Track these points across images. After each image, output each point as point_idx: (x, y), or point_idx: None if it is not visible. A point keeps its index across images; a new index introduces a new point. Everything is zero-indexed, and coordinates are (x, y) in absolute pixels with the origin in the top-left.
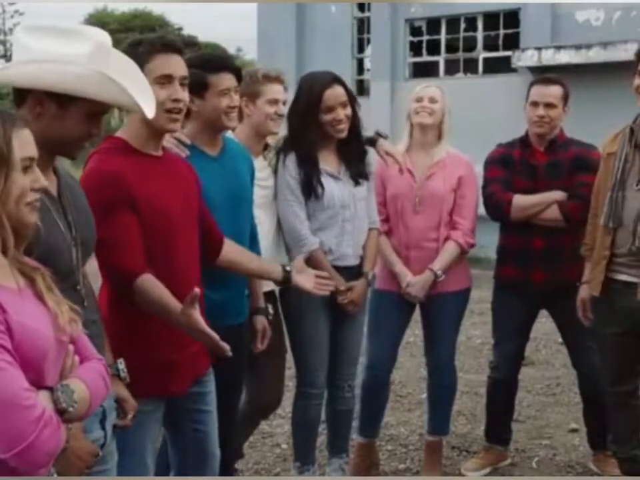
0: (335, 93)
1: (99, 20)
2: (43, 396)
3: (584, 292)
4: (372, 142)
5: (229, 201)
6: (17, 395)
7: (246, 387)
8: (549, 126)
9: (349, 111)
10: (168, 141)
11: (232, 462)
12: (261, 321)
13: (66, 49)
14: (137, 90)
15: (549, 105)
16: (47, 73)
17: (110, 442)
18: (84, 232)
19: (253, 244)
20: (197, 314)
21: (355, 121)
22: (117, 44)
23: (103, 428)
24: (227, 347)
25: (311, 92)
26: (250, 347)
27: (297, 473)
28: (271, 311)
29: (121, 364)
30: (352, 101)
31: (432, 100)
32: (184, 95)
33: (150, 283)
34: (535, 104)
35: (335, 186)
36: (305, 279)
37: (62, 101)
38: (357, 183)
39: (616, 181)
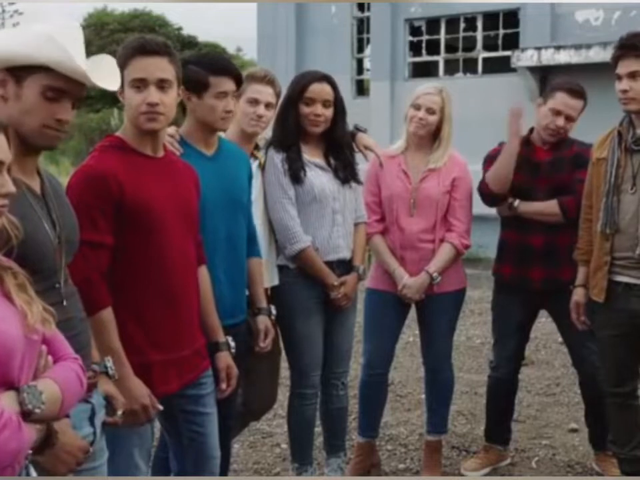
0: (320, 89)
1: (98, 20)
2: (7, 397)
3: (577, 295)
4: (351, 136)
5: (224, 201)
6: None
7: (240, 389)
8: (562, 136)
9: (329, 112)
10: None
11: (227, 462)
12: (262, 321)
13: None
14: (95, 65)
15: (569, 118)
16: (4, 45)
17: (99, 439)
18: (68, 231)
19: (252, 245)
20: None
21: (337, 124)
22: (116, 44)
23: (92, 425)
24: None
25: (297, 83)
26: (248, 348)
27: (295, 474)
28: (273, 310)
29: (109, 361)
30: (338, 104)
31: (430, 111)
32: (161, 97)
33: (108, 318)
34: (558, 113)
35: (324, 177)
36: None
37: (19, 75)
38: (345, 181)
39: (610, 187)
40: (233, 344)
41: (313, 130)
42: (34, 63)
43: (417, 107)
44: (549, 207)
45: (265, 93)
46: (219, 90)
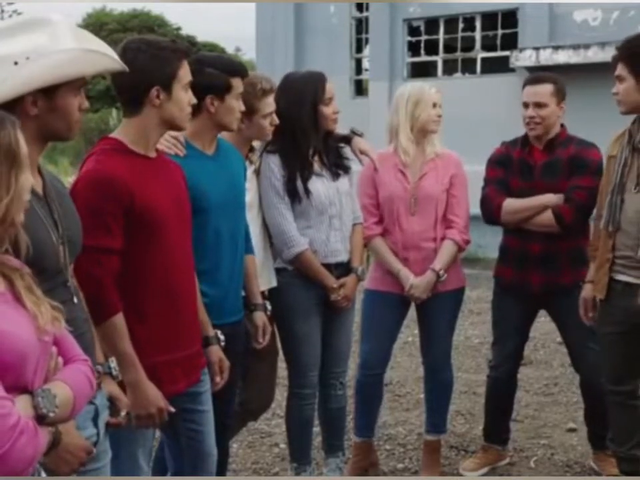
0: (331, 86)
1: (97, 20)
2: (22, 401)
3: (586, 291)
4: (347, 140)
5: (227, 199)
6: None
7: (239, 389)
8: (541, 126)
9: None
10: (167, 140)
11: (225, 461)
12: (260, 317)
13: (38, 39)
14: (109, 51)
15: (538, 105)
16: (45, 68)
17: (103, 440)
18: (70, 230)
19: (246, 242)
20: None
21: None
22: (115, 44)
23: (96, 425)
24: None
25: (314, 85)
26: (246, 346)
27: (294, 474)
28: (268, 306)
29: (113, 362)
30: None
31: (440, 106)
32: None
33: (121, 322)
34: (526, 105)
35: (320, 184)
36: None
37: (48, 91)
38: (337, 176)
39: (615, 185)
40: (222, 337)
41: (333, 127)
42: (80, 76)
43: (434, 105)
44: (543, 217)
45: (274, 102)
46: (239, 91)
